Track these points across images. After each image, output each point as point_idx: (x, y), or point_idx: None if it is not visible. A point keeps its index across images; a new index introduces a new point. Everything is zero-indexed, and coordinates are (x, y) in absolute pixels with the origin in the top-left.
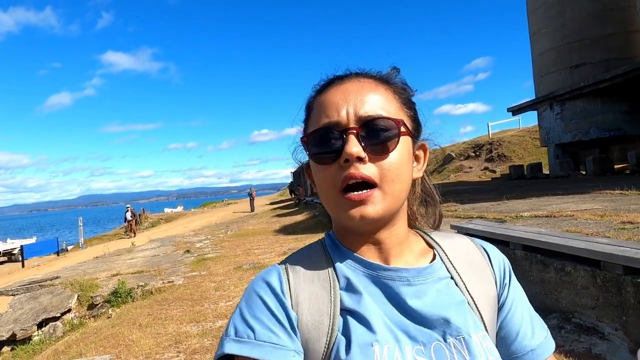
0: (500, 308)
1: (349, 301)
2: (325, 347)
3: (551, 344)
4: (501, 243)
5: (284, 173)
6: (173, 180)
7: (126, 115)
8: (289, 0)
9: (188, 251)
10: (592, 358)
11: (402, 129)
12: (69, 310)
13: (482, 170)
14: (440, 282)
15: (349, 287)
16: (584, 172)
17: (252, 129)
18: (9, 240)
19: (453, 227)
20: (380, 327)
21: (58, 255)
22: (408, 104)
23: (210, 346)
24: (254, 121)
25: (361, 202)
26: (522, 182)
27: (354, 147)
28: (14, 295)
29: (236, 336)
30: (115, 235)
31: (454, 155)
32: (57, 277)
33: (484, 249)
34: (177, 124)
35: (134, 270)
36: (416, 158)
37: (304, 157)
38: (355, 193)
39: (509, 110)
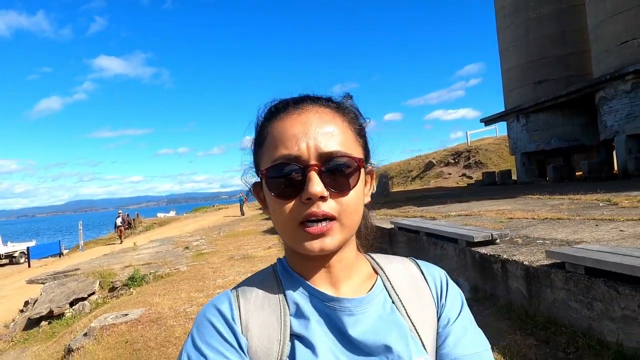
0: (439, 327)
1: (298, 327)
2: None
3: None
4: (414, 232)
5: None
6: (163, 185)
7: (117, 120)
8: (280, 10)
9: (187, 248)
10: None
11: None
12: (93, 293)
13: (460, 176)
14: (381, 308)
15: (299, 314)
16: (547, 179)
17: (243, 134)
18: (9, 243)
19: (391, 222)
20: (325, 353)
21: (60, 256)
22: (361, 133)
23: None
24: (245, 127)
25: (321, 235)
26: (490, 188)
27: (317, 186)
28: (43, 283)
29: None
30: (110, 239)
31: (435, 162)
32: (77, 269)
33: (423, 271)
34: (168, 129)
35: (143, 262)
36: (365, 183)
37: (252, 176)
38: (316, 226)
39: (481, 121)
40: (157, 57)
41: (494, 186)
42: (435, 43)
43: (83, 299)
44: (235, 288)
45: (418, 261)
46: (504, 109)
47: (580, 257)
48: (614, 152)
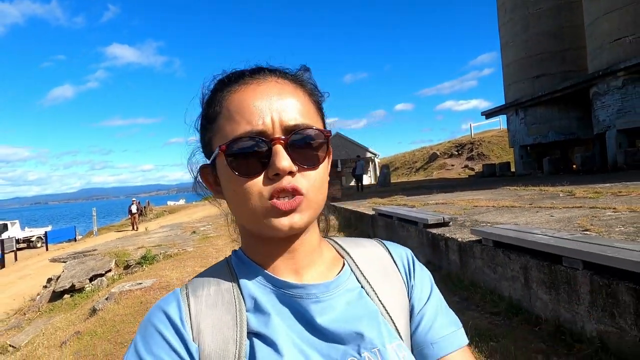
0: (411, 309)
1: (256, 323)
2: None
3: (457, 339)
4: (389, 217)
5: None
6: (174, 174)
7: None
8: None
9: (194, 232)
10: None
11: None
12: (110, 270)
13: (462, 168)
14: (349, 294)
15: (257, 308)
16: (543, 171)
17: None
18: (27, 228)
19: (373, 209)
20: (289, 349)
21: (76, 241)
22: (320, 106)
23: None
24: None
25: (291, 211)
26: (486, 180)
27: (285, 161)
28: (65, 261)
29: None
30: (122, 226)
31: (439, 154)
32: (95, 250)
33: (391, 252)
34: (179, 117)
35: (154, 244)
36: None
37: (200, 158)
38: (285, 200)
39: (482, 114)
40: (168, 45)
41: (492, 178)
42: (449, 32)
43: (101, 275)
44: (185, 285)
45: (385, 242)
46: (504, 103)
47: (490, 233)
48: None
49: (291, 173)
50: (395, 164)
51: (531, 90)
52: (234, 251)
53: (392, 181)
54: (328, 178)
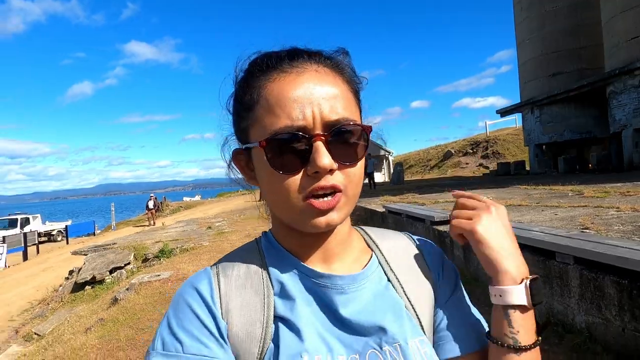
0: (436, 305)
1: (282, 308)
2: (257, 356)
3: (473, 342)
4: (397, 214)
5: None
6: (190, 170)
7: (146, 105)
8: None
9: (209, 227)
10: None
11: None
12: (129, 263)
13: (477, 166)
14: (376, 286)
15: (283, 293)
16: (558, 170)
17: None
18: (47, 222)
19: (384, 206)
20: (311, 336)
21: (95, 235)
22: (358, 95)
23: None
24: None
25: (328, 210)
26: (500, 178)
27: (326, 158)
28: (85, 254)
29: (163, 350)
30: (139, 221)
31: (453, 152)
32: (114, 243)
33: (420, 247)
34: (195, 115)
35: (171, 239)
36: None
37: (233, 144)
38: (323, 200)
39: (497, 112)
40: (185, 43)
41: (506, 176)
42: (466, 28)
43: (120, 267)
44: (215, 264)
45: (414, 237)
46: (519, 101)
47: None
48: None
49: (331, 170)
50: (410, 162)
51: (547, 88)
52: (264, 233)
53: (406, 179)
54: (363, 170)
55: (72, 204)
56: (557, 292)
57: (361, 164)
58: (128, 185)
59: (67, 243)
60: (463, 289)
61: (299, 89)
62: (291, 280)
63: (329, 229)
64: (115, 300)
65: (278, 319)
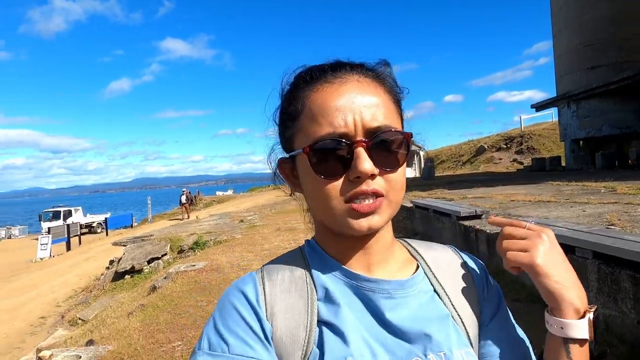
0: (480, 322)
1: (326, 313)
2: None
3: (519, 357)
4: (424, 209)
5: None
6: (222, 165)
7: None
8: None
9: (242, 221)
10: None
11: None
12: (165, 254)
13: (510, 162)
14: (423, 295)
15: (327, 298)
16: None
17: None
18: (88, 215)
19: (411, 201)
20: (356, 340)
21: (132, 227)
22: (399, 103)
23: (261, 261)
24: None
25: (369, 213)
26: (534, 174)
27: (367, 164)
28: (125, 245)
29: (209, 350)
30: (174, 214)
31: (486, 147)
32: (151, 235)
33: (465, 261)
34: (227, 110)
35: (205, 231)
36: None
37: (280, 152)
38: (365, 203)
39: (532, 106)
40: (219, 39)
41: (541, 172)
42: (502, 20)
43: (157, 258)
44: (261, 269)
45: (459, 251)
46: (555, 95)
47: None
48: None
49: (372, 176)
50: (441, 157)
51: (584, 81)
52: (307, 241)
53: (437, 174)
54: (406, 177)
55: (111, 197)
56: None
57: (402, 170)
58: (163, 180)
59: (107, 234)
60: (507, 307)
61: (341, 98)
62: (335, 285)
63: (371, 232)
64: (153, 288)
65: (322, 323)
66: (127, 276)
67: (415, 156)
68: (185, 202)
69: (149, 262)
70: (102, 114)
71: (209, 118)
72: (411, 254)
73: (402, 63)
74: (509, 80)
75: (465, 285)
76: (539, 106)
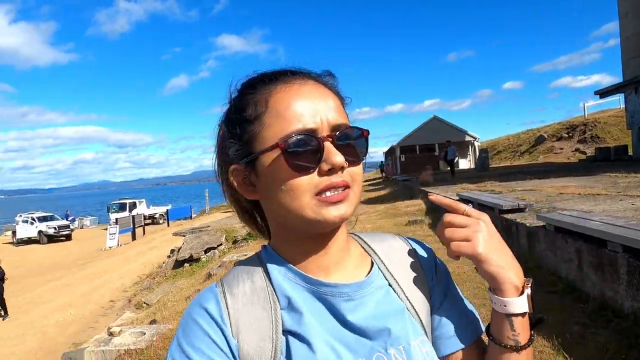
0: (432, 305)
1: (290, 322)
2: None
3: (467, 337)
4: (468, 202)
5: (384, 151)
6: None
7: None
8: None
9: None
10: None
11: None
12: (221, 244)
13: (572, 151)
14: (379, 291)
15: (290, 306)
16: None
17: (352, 107)
18: (151, 207)
19: (457, 194)
20: (321, 346)
21: (191, 218)
22: (346, 111)
23: None
24: (355, 100)
25: (339, 202)
26: (594, 165)
27: (338, 156)
28: (184, 235)
29: None
30: (228, 207)
31: (546, 137)
32: (208, 226)
33: (414, 249)
34: None
35: None
36: None
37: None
38: (335, 193)
39: (596, 93)
40: (272, 33)
41: (604, 162)
42: (568, 0)
43: (214, 248)
44: (220, 282)
45: (408, 239)
46: (622, 80)
47: (551, 219)
48: None
49: (342, 168)
50: (498, 148)
51: None
52: (264, 247)
53: (493, 165)
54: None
55: (171, 190)
56: (608, 279)
57: (362, 165)
58: None
59: (168, 225)
60: (455, 285)
61: (305, 96)
62: (297, 293)
63: (342, 221)
64: (209, 276)
65: (287, 332)
66: (186, 264)
67: (470, 147)
68: None
69: (205, 251)
70: (162, 109)
71: None
72: (364, 249)
73: (458, 50)
74: (575, 65)
75: (415, 274)
76: (604, 92)
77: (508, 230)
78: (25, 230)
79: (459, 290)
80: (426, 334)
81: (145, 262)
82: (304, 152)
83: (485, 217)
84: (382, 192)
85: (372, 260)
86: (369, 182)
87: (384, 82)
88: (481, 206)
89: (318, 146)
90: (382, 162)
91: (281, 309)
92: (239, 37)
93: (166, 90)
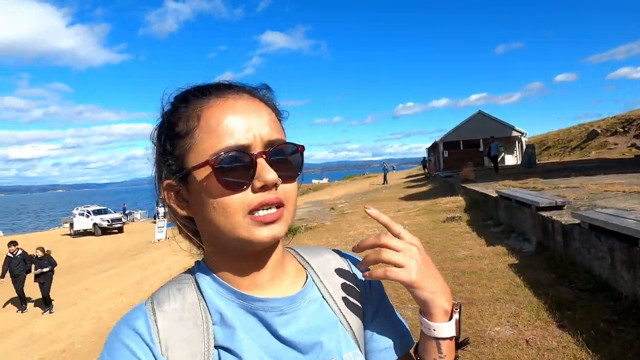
0: (365, 319)
1: (223, 337)
2: None
3: (398, 350)
4: (507, 199)
5: (427, 147)
6: (319, 153)
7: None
8: None
9: (332, 209)
10: (521, 251)
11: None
12: None
13: (628, 147)
14: (313, 305)
15: (222, 322)
16: None
17: (396, 102)
18: None
19: (497, 191)
20: None
21: None
22: (282, 124)
23: (346, 246)
24: (399, 94)
25: (272, 222)
26: None
27: (271, 173)
28: None
29: None
30: None
31: (599, 131)
32: None
33: (349, 263)
34: (324, 99)
35: (298, 218)
36: None
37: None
38: (267, 213)
39: None
40: (316, 29)
41: None
42: None
43: None
44: (150, 300)
45: (343, 252)
46: None
47: (585, 217)
48: None
49: (275, 185)
50: (547, 143)
51: None
52: (197, 262)
53: (542, 161)
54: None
55: None
56: (639, 277)
57: (296, 182)
58: None
59: None
60: (388, 300)
61: (238, 111)
62: (229, 308)
63: (274, 241)
64: None
65: (220, 348)
66: None
67: (517, 142)
68: None
69: None
70: None
71: (306, 107)
72: (300, 263)
73: (507, 42)
74: (635, 55)
75: (349, 287)
76: None
77: (544, 227)
78: (82, 223)
79: (392, 305)
80: (359, 347)
81: (193, 254)
82: (236, 169)
83: (417, 241)
84: (423, 189)
85: (307, 274)
86: (411, 179)
87: (429, 76)
88: (518, 203)
89: (251, 163)
90: (424, 158)
91: (214, 324)
92: (283, 34)
93: None
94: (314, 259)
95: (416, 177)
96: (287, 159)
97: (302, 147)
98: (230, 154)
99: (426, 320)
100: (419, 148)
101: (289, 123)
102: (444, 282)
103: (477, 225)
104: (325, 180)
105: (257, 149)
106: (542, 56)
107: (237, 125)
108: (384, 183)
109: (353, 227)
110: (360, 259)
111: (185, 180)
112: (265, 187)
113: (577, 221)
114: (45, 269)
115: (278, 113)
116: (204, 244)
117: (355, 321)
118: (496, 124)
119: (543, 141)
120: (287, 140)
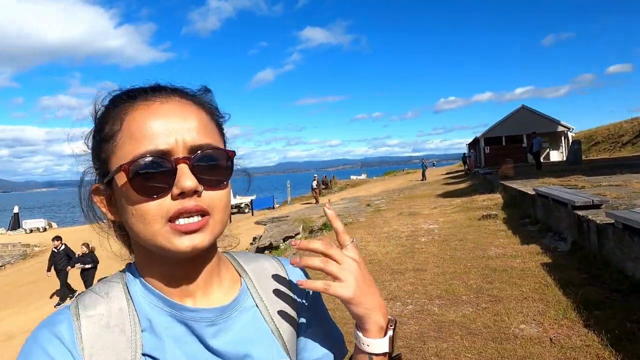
0: (299, 327)
1: (150, 345)
2: None
3: (335, 358)
4: (545, 197)
5: (467, 142)
6: (358, 149)
7: (318, 87)
8: None
9: (368, 205)
10: (556, 251)
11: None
12: (298, 233)
13: None
14: (245, 314)
15: (151, 329)
16: None
17: (438, 96)
18: (237, 196)
19: (534, 189)
20: None
21: (274, 208)
22: (221, 127)
23: (378, 242)
24: (441, 88)
25: (193, 232)
26: None
27: (189, 180)
28: (265, 224)
29: None
30: (308, 199)
31: None
32: (287, 216)
33: (287, 271)
34: (364, 94)
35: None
36: None
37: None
38: (187, 222)
39: None
40: (356, 23)
41: None
42: None
43: (291, 237)
44: (75, 304)
45: (281, 259)
46: None
47: (619, 217)
48: None
49: (197, 192)
50: (596, 139)
51: None
52: (128, 265)
53: (589, 157)
54: (231, 198)
55: (257, 181)
56: None
57: (227, 189)
58: (303, 164)
59: (252, 214)
60: (324, 308)
61: (163, 116)
62: (158, 316)
63: (195, 253)
64: None
65: (147, 356)
66: (266, 251)
67: (563, 138)
68: (315, 187)
69: (284, 239)
70: (249, 102)
71: (346, 103)
72: (236, 270)
73: (556, 33)
74: None
75: (284, 295)
76: None
77: (579, 227)
78: None
79: (327, 314)
80: (289, 357)
81: (234, 248)
82: (154, 175)
83: (358, 257)
84: (462, 186)
85: (241, 282)
86: (449, 175)
87: (472, 69)
88: (555, 202)
89: (170, 169)
90: (464, 154)
91: (143, 331)
92: (323, 29)
93: (253, 83)
94: (250, 264)
95: (456, 174)
96: (215, 164)
97: (233, 153)
98: (147, 159)
99: (361, 335)
100: (461, 144)
101: (328, 119)
102: (381, 298)
103: (513, 224)
104: (363, 176)
105: (179, 154)
106: (593, 47)
107: (159, 129)
108: (422, 179)
109: (387, 223)
110: (298, 270)
111: (110, 185)
112: (183, 194)
113: (612, 221)
114: (87, 266)
115: (215, 116)
116: (133, 248)
117: (287, 330)
118: (541, 118)
119: (592, 136)
120: (216, 145)
